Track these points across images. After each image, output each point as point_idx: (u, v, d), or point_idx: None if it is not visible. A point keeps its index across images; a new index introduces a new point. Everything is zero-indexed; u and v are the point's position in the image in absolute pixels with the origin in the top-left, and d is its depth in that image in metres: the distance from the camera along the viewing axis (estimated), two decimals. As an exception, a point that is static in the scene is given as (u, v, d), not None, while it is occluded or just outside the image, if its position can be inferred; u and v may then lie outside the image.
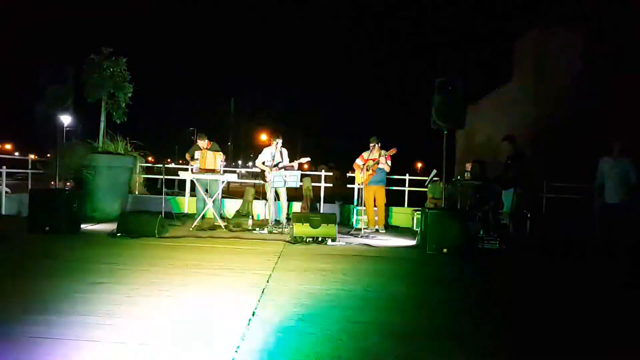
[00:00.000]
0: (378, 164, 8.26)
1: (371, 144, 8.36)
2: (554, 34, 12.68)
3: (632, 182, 6.50)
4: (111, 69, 9.36)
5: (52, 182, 7.62)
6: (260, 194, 9.32)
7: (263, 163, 8.42)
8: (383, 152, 8.28)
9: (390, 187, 9.14)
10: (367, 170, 8.32)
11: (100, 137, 9.54)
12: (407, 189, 10.39)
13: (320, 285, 4.30)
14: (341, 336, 2.95)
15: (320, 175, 10.41)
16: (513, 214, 6.98)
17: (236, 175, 9.05)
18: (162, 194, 8.48)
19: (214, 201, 8.21)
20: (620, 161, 6.65)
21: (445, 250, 6.21)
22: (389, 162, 8.36)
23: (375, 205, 8.58)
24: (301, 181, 8.78)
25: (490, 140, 13.78)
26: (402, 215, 9.92)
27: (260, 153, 8.65)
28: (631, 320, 3.82)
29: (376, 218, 8.63)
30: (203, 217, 8.17)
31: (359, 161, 8.50)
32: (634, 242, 6.04)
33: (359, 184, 8.83)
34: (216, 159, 8.23)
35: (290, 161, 8.45)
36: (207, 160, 8.28)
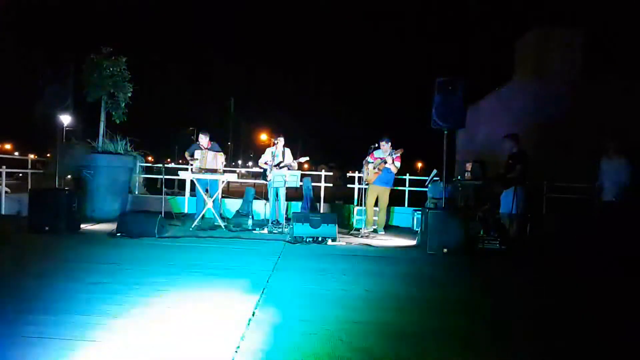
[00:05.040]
0: (385, 163, 8.19)
1: (382, 143, 8.26)
2: (555, 33, 12.69)
3: (622, 180, 6.55)
4: (111, 69, 9.35)
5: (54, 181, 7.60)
6: (262, 194, 9.32)
7: (265, 163, 8.46)
8: (392, 152, 8.20)
9: (393, 187, 9.10)
10: (374, 168, 8.25)
11: (100, 137, 9.53)
12: (407, 188, 10.38)
13: (320, 285, 4.29)
14: (341, 336, 2.94)
15: (320, 175, 10.41)
16: (513, 213, 6.97)
17: (236, 175, 9.05)
18: (162, 194, 8.48)
19: (214, 201, 8.21)
20: (615, 160, 6.70)
21: (445, 250, 6.20)
22: (397, 164, 8.22)
23: (376, 206, 8.53)
24: (301, 181, 8.79)
25: (490, 140, 13.78)
26: (402, 215, 9.91)
27: (260, 153, 8.70)
28: (630, 319, 3.81)
29: (375, 218, 8.59)
30: (203, 217, 8.17)
31: (369, 159, 8.39)
32: (633, 242, 6.05)
33: (359, 183, 8.80)
34: (217, 159, 8.22)
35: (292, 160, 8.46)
36: (208, 160, 8.28)
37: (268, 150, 8.56)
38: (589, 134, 10.00)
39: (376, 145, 8.29)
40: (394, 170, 8.26)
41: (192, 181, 8.96)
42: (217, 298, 3.70)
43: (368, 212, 8.48)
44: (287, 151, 8.51)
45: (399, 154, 8.20)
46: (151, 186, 12.49)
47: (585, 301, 4.35)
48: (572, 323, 3.61)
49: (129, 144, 9.30)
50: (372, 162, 8.26)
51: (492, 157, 9.94)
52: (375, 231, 8.38)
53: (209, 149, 8.42)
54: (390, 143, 8.23)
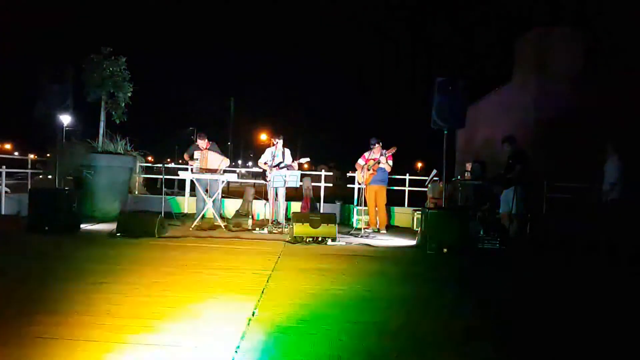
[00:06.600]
0: (379, 163, 8.27)
1: (372, 144, 8.38)
2: (555, 33, 12.69)
3: (611, 181, 6.61)
4: (111, 69, 9.35)
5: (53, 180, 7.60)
6: (262, 194, 9.33)
7: (265, 163, 8.46)
8: (384, 151, 8.30)
9: (391, 187, 9.14)
10: (368, 169, 8.35)
11: (100, 137, 9.54)
12: (407, 188, 10.39)
13: (320, 285, 4.30)
14: (341, 336, 2.94)
15: (320, 175, 10.42)
16: (513, 213, 6.98)
17: (236, 175, 9.05)
18: (162, 194, 8.48)
19: (214, 201, 8.21)
20: (611, 160, 6.75)
21: (445, 250, 6.21)
22: (390, 162, 8.36)
23: (376, 206, 8.56)
24: (301, 181, 8.79)
25: (490, 140, 13.78)
26: (402, 215, 9.92)
27: (260, 153, 8.71)
28: (630, 319, 3.81)
29: (377, 218, 8.62)
30: (203, 217, 8.17)
31: (360, 161, 8.52)
32: (632, 241, 6.07)
33: (359, 184, 8.85)
34: (221, 162, 8.29)
35: (292, 161, 8.48)
36: (209, 161, 8.30)
37: (268, 150, 8.57)
38: (589, 134, 9.99)
39: (372, 146, 8.39)
40: (388, 169, 8.38)
41: (192, 181, 8.96)
42: (217, 298, 3.70)
43: (370, 213, 8.53)
44: (287, 151, 8.53)
45: (391, 153, 8.28)
46: (151, 186, 12.50)
47: (585, 301, 4.35)
48: (572, 323, 3.61)
49: (129, 144, 9.31)
50: (366, 164, 8.35)
51: (492, 157, 9.94)
52: (378, 231, 8.41)
53: (208, 149, 8.44)
54: (380, 143, 8.33)
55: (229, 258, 5.44)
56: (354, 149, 9.32)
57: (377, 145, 8.35)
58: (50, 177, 10.31)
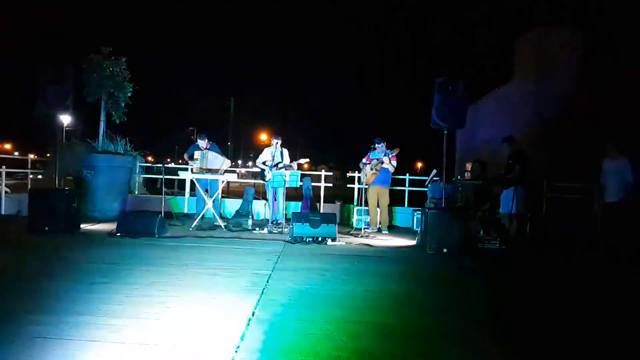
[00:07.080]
0: (382, 163, 8.26)
1: (376, 144, 8.36)
2: (555, 33, 12.69)
3: (627, 180, 6.56)
4: (111, 69, 9.35)
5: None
6: (262, 194, 9.33)
7: (264, 163, 8.46)
8: (388, 152, 8.28)
9: (393, 187, 9.14)
10: (372, 169, 8.33)
11: (100, 137, 9.54)
12: (407, 188, 10.39)
13: (320, 285, 4.30)
14: (341, 336, 2.94)
15: (320, 175, 10.42)
16: (513, 213, 6.98)
17: (236, 175, 9.05)
18: (162, 194, 8.47)
19: (214, 201, 8.21)
20: (617, 161, 6.70)
21: (445, 250, 6.21)
22: (394, 163, 8.33)
23: (378, 206, 8.56)
24: (301, 181, 8.79)
25: (490, 140, 13.77)
26: (402, 215, 9.92)
27: (260, 153, 8.71)
28: (630, 319, 3.81)
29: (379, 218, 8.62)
30: (203, 217, 8.17)
31: (364, 160, 8.50)
32: (634, 242, 6.06)
33: (359, 183, 8.85)
34: (224, 164, 8.30)
35: (291, 161, 8.48)
36: (209, 161, 8.30)
37: (267, 150, 8.57)
38: (589, 134, 9.99)
39: (373, 146, 8.38)
40: (392, 170, 8.36)
41: (192, 181, 8.96)
42: (217, 298, 3.70)
43: (372, 213, 8.52)
44: (285, 152, 8.53)
45: (395, 153, 8.27)
46: (151, 186, 12.51)
47: (585, 301, 4.35)
48: (572, 323, 3.61)
49: (129, 144, 9.31)
50: (369, 164, 8.34)
51: (492, 157, 9.93)
52: (379, 230, 8.42)
53: (208, 149, 8.44)
54: (384, 143, 8.31)
55: (229, 258, 5.44)
56: (354, 149, 9.34)
57: (380, 145, 8.32)
58: (41, 177, 10.32)
